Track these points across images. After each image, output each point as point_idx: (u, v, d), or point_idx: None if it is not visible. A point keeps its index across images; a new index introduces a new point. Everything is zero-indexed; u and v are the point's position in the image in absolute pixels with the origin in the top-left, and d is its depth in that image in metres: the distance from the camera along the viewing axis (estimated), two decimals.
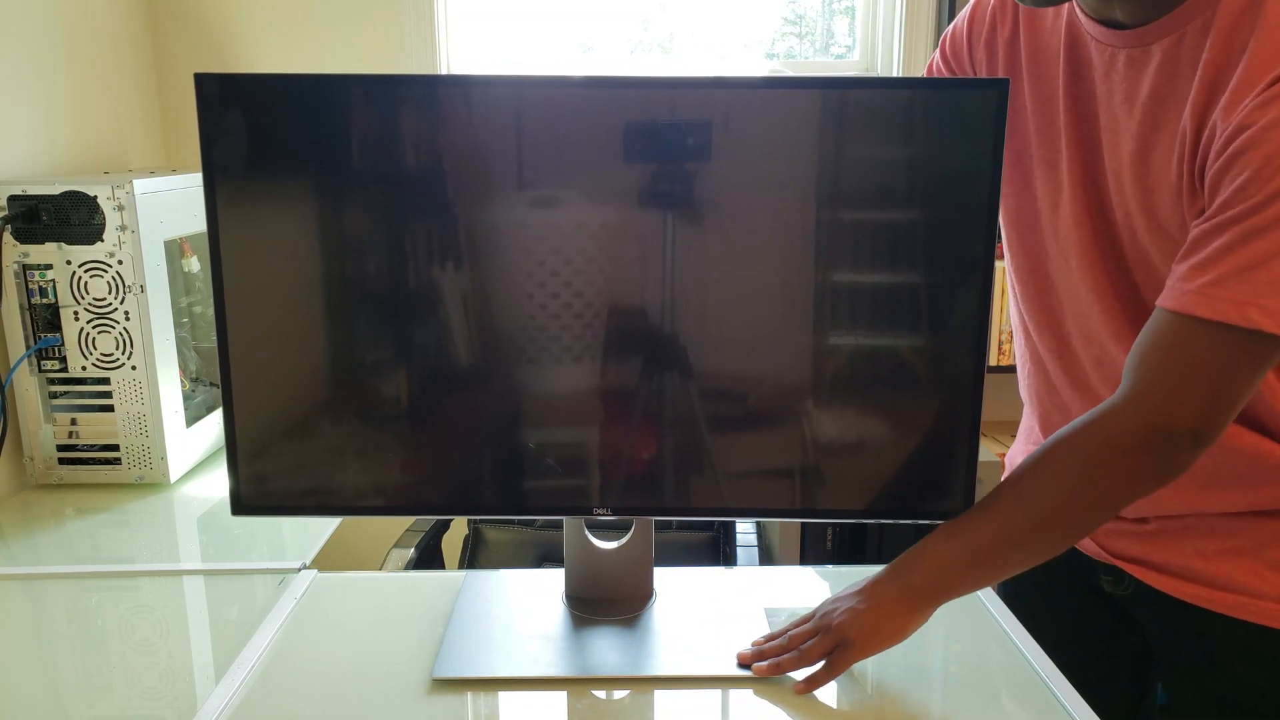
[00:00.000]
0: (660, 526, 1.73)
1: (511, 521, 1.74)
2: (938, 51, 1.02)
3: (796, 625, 0.86)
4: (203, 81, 0.80)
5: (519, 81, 0.80)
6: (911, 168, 0.81)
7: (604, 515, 0.89)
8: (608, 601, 0.95)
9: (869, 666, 0.87)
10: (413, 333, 0.84)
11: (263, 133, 0.80)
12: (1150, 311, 0.76)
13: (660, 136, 0.80)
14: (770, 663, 0.84)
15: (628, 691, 0.83)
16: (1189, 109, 0.75)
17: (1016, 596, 1.05)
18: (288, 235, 0.83)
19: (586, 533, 0.94)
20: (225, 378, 0.86)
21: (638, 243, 0.82)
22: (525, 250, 0.82)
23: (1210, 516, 0.88)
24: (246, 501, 0.89)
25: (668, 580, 1.00)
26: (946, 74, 1.00)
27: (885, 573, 0.84)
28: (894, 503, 0.88)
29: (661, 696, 0.83)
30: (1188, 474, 0.76)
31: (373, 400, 0.85)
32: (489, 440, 0.87)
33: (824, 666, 0.82)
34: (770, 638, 0.87)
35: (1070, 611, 1.04)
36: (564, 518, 0.92)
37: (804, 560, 1.83)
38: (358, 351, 0.85)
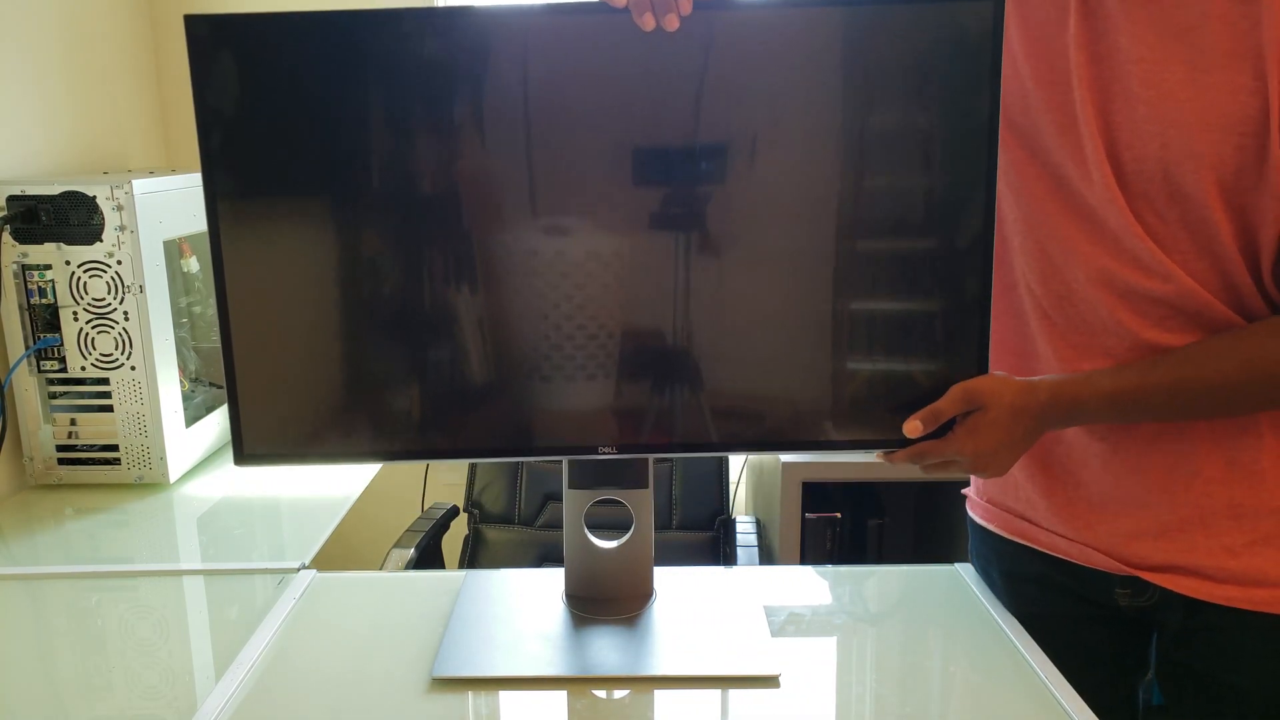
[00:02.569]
0: (660, 526, 1.73)
1: (511, 520, 1.75)
2: None
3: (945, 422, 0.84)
4: (193, 23, 0.79)
5: (531, 10, 0.80)
6: (911, 85, 0.81)
7: (609, 454, 0.88)
8: (608, 601, 0.95)
9: (868, 667, 0.87)
10: (418, 321, 0.84)
11: (256, 76, 0.80)
12: (1175, 234, 0.80)
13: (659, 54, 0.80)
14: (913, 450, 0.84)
15: (628, 691, 0.83)
16: (1270, 35, 0.75)
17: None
18: (287, 228, 0.82)
19: (586, 532, 0.94)
20: (229, 372, 0.85)
21: (644, 244, 0.82)
22: (536, 251, 0.82)
23: (1228, 506, 0.87)
24: (250, 450, 0.87)
25: (668, 580, 1.00)
26: None
27: (1037, 415, 0.82)
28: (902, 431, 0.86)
29: (661, 696, 0.83)
30: (1224, 458, 0.80)
31: (378, 345, 0.84)
32: (493, 386, 0.86)
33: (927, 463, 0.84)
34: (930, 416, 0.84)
35: (1072, 641, 1.01)
36: (565, 494, 0.92)
37: (804, 560, 1.82)
38: (362, 320, 0.85)
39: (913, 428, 0.82)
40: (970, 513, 1.08)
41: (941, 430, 0.83)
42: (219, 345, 0.86)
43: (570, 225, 0.82)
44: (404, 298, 0.84)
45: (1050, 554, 0.98)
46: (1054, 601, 1.01)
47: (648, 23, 0.77)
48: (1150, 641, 1.02)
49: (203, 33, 0.79)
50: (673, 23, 0.77)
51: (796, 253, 0.84)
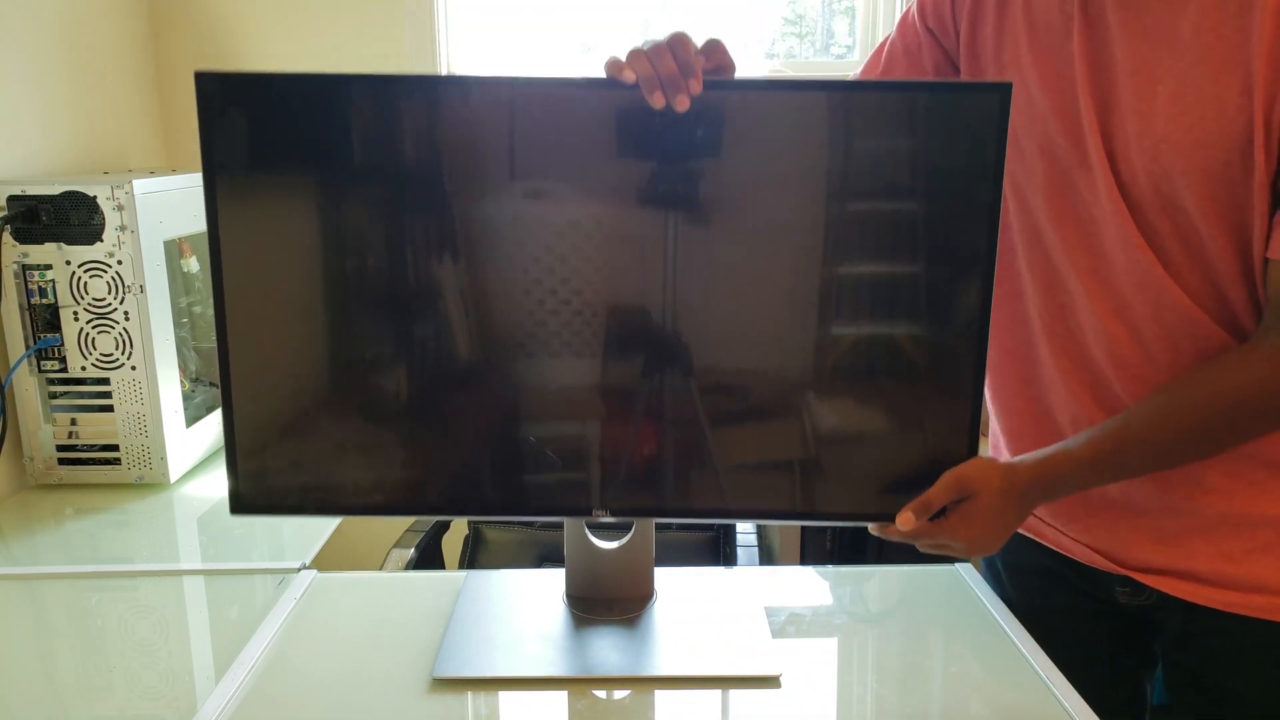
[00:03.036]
0: (660, 526, 1.72)
1: (511, 521, 1.74)
2: (915, 15, 0.99)
3: (937, 507, 0.84)
4: (203, 79, 0.80)
5: (517, 82, 0.80)
6: (913, 172, 0.81)
7: (604, 518, 0.88)
8: (608, 601, 0.95)
9: (868, 667, 0.87)
10: (413, 330, 0.84)
11: (262, 131, 0.80)
12: (1171, 247, 0.81)
13: (659, 138, 0.80)
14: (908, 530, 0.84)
15: (628, 691, 0.83)
16: (1257, 46, 0.74)
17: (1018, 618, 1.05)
18: (286, 234, 0.82)
19: (587, 532, 0.94)
20: (225, 376, 0.85)
21: (635, 242, 0.82)
22: (522, 246, 0.82)
23: (1228, 516, 0.87)
24: (245, 500, 0.89)
25: (668, 580, 1.00)
26: (924, 36, 0.98)
27: (1023, 495, 0.83)
28: (895, 506, 0.87)
29: (661, 696, 0.83)
30: (1224, 470, 0.80)
31: (372, 398, 0.85)
32: (489, 438, 0.86)
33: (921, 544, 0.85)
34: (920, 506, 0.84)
35: (1074, 636, 1.02)
36: (564, 519, 0.92)
37: (804, 560, 1.82)
38: (357, 350, 0.85)
39: (905, 519, 0.82)
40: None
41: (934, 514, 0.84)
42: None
43: (574, 354, 0.83)
44: (403, 295, 0.83)
45: (1053, 549, 0.98)
46: (1056, 595, 1.01)
47: (658, 101, 0.76)
48: (1154, 640, 1.02)
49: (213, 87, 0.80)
50: (683, 103, 0.76)
51: (788, 337, 0.84)
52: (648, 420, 0.86)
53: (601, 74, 0.79)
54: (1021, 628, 0.93)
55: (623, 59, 0.76)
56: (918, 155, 0.80)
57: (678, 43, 0.75)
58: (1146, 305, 0.85)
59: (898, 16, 1.90)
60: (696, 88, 0.76)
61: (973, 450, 0.84)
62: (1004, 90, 0.79)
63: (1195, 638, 0.92)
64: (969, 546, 0.82)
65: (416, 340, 0.84)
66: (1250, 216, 0.79)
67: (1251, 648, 0.88)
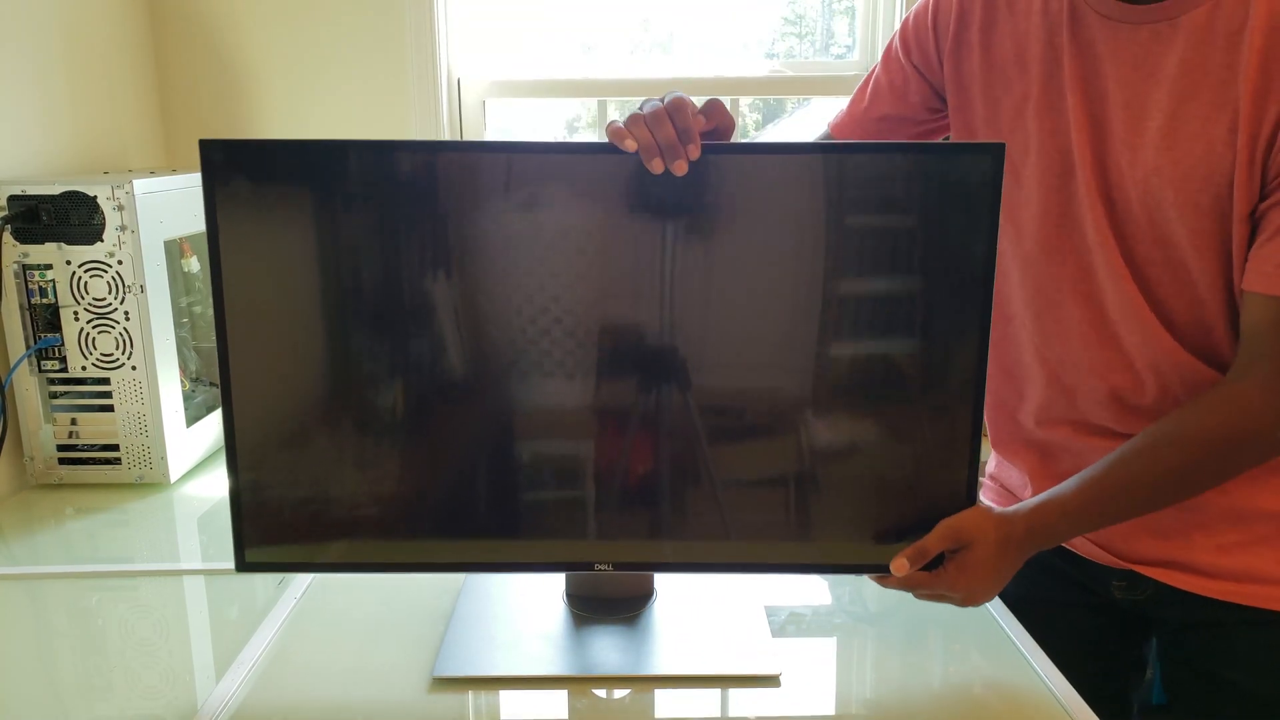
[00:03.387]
0: None
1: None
2: (899, 50, 1.00)
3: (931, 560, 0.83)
4: (208, 148, 0.80)
5: (516, 147, 0.80)
6: (906, 232, 0.80)
7: (604, 569, 0.88)
8: (608, 601, 0.95)
9: (868, 666, 0.87)
10: (410, 347, 0.84)
11: (267, 194, 0.81)
12: (1160, 277, 0.82)
13: (660, 202, 0.80)
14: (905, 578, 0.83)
15: (628, 691, 0.83)
16: (1243, 85, 0.75)
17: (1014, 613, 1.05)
18: (287, 252, 0.82)
19: None
20: (226, 395, 0.85)
21: (629, 267, 0.82)
22: (518, 266, 0.82)
23: (1227, 510, 0.88)
24: (250, 562, 0.88)
25: (668, 580, 1.00)
26: (908, 71, 0.98)
27: (1019, 546, 0.83)
28: (891, 555, 0.85)
29: (662, 696, 0.83)
30: None
31: (369, 429, 0.85)
32: (491, 481, 0.86)
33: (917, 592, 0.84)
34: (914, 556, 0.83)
35: (1068, 628, 1.03)
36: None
37: None
38: (352, 370, 0.84)
39: (899, 565, 0.82)
40: (982, 497, 1.11)
41: (930, 564, 0.83)
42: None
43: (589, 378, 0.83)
44: (401, 312, 0.83)
45: None
46: (1053, 587, 1.02)
47: (656, 167, 0.77)
48: (1148, 641, 1.03)
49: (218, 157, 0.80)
50: (681, 168, 0.77)
51: (783, 365, 0.83)
52: (644, 457, 0.85)
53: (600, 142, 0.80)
54: (1020, 627, 0.93)
55: (623, 125, 0.77)
56: (911, 217, 0.80)
57: (676, 109, 0.76)
58: (1136, 335, 0.86)
59: (898, 16, 1.90)
60: (695, 154, 0.77)
61: (971, 497, 0.84)
62: (996, 151, 0.78)
63: (1192, 629, 0.93)
64: (965, 597, 0.81)
65: (414, 357, 0.84)
66: (1238, 250, 0.80)
67: (1248, 637, 0.89)
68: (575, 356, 0.83)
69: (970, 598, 0.82)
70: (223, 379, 0.84)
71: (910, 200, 0.80)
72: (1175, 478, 0.82)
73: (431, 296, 0.83)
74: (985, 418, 1.02)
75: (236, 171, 0.80)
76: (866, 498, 0.85)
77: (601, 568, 0.88)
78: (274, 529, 0.86)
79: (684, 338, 0.83)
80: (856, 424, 0.84)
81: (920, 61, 0.97)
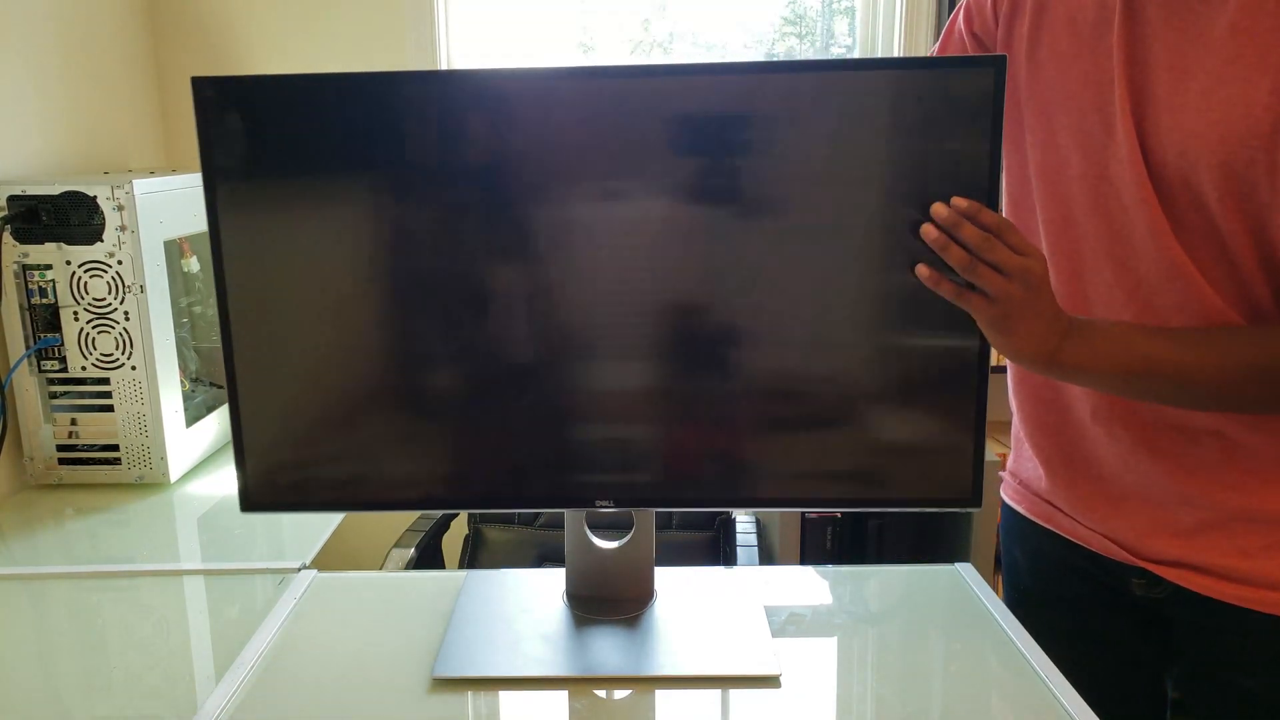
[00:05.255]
0: (660, 526, 1.72)
1: (512, 520, 1.74)
2: (961, 23, 1.00)
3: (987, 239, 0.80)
4: (199, 84, 0.80)
5: (536, 74, 0.79)
6: (909, 150, 0.80)
7: (606, 508, 0.88)
8: (608, 601, 0.95)
9: (868, 666, 0.87)
10: (419, 327, 0.84)
11: (261, 134, 0.80)
12: (1193, 241, 0.82)
13: (682, 129, 0.80)
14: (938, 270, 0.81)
15: (628, 691, 0.83)
16: None
17: (1027, 608, 1.05)
18: (288, 235, 0.82)
19: (587, 532, 0.94)
20: (230, 375, 0.85)
21: (659, 238, 0.82)
22: (528, 244, 0.82)
23: (1242, 511, 0.87)
24: (255, 499, 0.88)
25: (668, 580, 1.00)
26: (968, 46, 0.99)
27: (1069, 325, 0.82)
28: (896, 491, 0.87)
29: (662, 696, 0.83)
30: (1243, 466, 0.81)
31: (373, 390, 0.85)
32: (497, 432, 0.86)
33: (960, 292, 0.81)
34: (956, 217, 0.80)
35: (1086, 625, 1.02)
36: (565, 511, 0.92)
37: (804, 560, 1.83)
38: (362, 346, 0.85)
39: (956, 203, 0.79)
40: (1001, 493, 1.11)
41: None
42: (219, 345, 0.86)
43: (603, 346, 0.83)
44: (408, 292, 0.84)
45: (1071, 539, 0.99)
46: (1073, 584, 1.02)
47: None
48: (1171, 633, 1.02)
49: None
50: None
51: (828, 336, 0.83)
52: (683, 414, 0.85)
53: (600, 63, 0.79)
54: (1021, 627, 0.93)
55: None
56: (914, 136, 0.80)
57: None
58: (1173, 296, 0.85)
59: (898, 16, 1.90)
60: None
61: (979, 444, 0.85)
62: (999, 64, 0.79)
63: (1208, 633, 0.92)
64: (1003, 311, 0.79)
65: (420, 333, 0.84)
66: (1270, 215, 0.80)
67: (1264, 645, 0.88)
68: (606, 305, 0.83)
69: (1005, 316, 0.79)
70: (225, 338, 0.85)
71: (911, 118, 0.80)
72: (1232, 368, 0.80)
73: (445, 256, 0.83)
74: (1014, 393, 1.02)
75: (231, 111, 0.80)
76: (880, 426, 0.85)
77: (602, 504, 0.88)
78: (278, 470, 0.86)
79: (712, 265, 0.83)
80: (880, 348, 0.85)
81: (981, 30, 0.98)
